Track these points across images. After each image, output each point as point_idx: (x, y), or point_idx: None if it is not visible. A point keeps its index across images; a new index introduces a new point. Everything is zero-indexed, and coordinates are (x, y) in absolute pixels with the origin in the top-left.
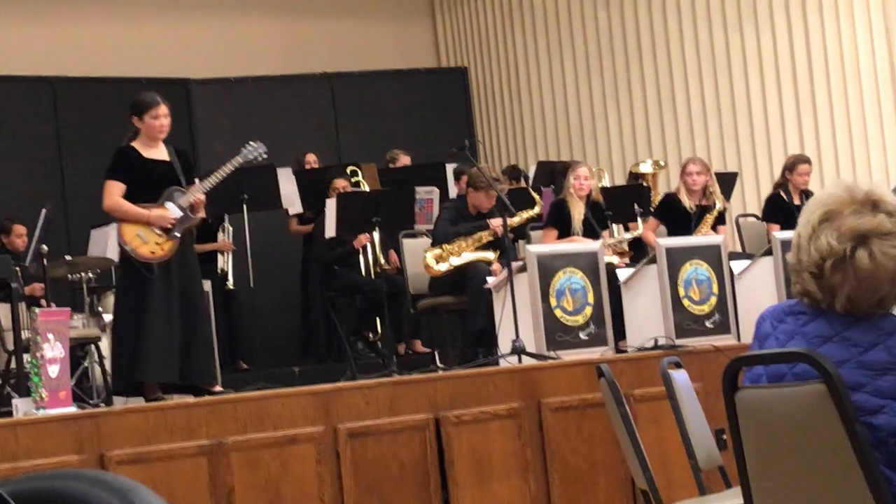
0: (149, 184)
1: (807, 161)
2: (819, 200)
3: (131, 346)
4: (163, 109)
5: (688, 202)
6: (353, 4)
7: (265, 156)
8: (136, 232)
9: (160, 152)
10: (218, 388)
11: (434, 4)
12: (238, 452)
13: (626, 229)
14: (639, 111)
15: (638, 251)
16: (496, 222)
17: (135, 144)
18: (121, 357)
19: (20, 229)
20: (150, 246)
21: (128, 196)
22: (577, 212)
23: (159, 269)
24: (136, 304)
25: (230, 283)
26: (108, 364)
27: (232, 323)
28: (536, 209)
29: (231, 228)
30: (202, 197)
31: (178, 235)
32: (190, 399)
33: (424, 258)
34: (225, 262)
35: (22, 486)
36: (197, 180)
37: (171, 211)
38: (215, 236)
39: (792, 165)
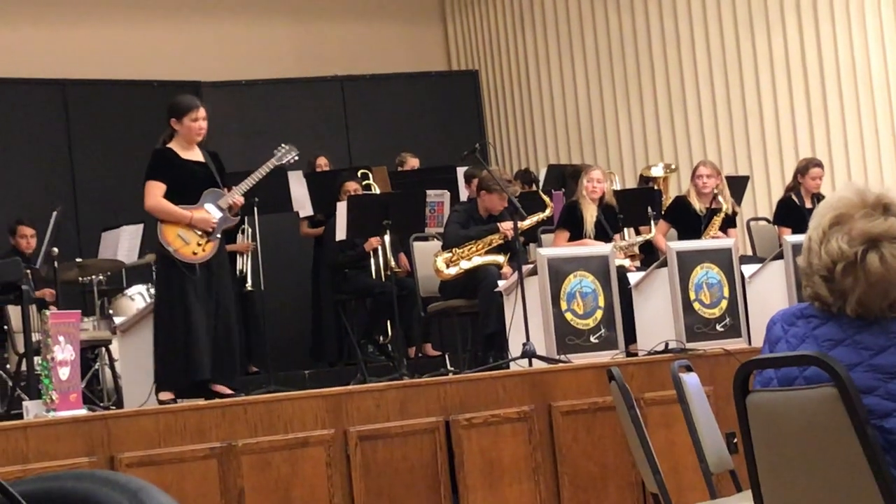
0: (187, 185)
1: (819, 165)
2: (830, 204)
3: (182, 346)
4: (202, 112)
5: (698, 205)
6: (365, 8)
7: (296, 158)
8: (177, 232)
9: (196, 154)
10: (228, 391)
11: (445, 8)
12: (248, 455)
13: (637, 232)
14: (650, 114)
15: (649, 254)
16: (507, 225)
17: (172, 146)
18: (171, 357)
19: (26, 230)
20: (192, 247)
21: (166, 197)
22: (590, 214)
23: (200, 271)
24: (179, 305)
25: (248, 285)
26: (118, 366)
27: (247, 325)
28: (547, 212)
29: (250, 230)
30: (241, 199)
31: (219, 237)
32: (200, 402)
33: (434, 262)
34: (244, 264)
35: (33, 486)
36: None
37: (212, 213)
38: (235, 237)
39: (804, 169)
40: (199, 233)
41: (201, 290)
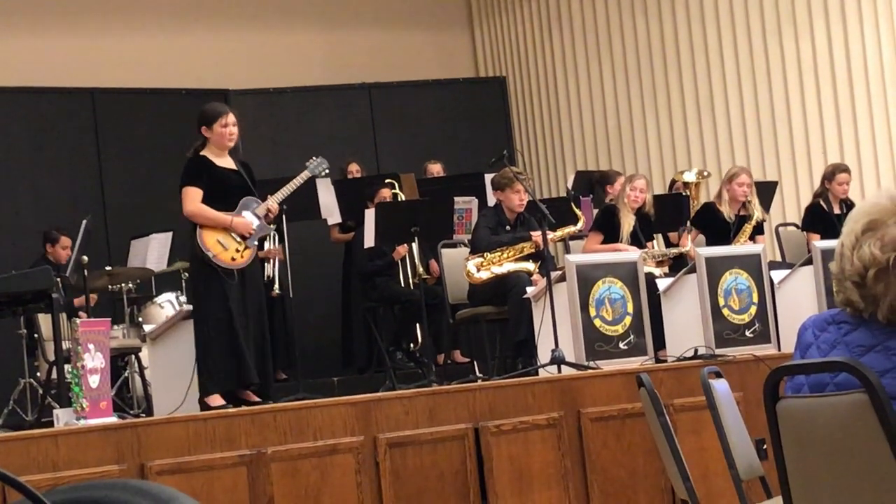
0: (223, 192)
1: (845, 170)
2: (863, 210)
3: (230, 350)
4: (231, 118)
5: (728, 211)
6: (393, 15)
7: (328, 172)
8: (216, 238)
9: (228, 162)
10: (256, 399)
11: (473, 15)
12: (278, 462)
13: (666, 238)
14: (677, 120)
15: (677, 260)
16: (538, 234)
17: (205, 154)
18: (220, 361)
19: (67, 241)
20: (231, 252)
21: (202, 203)
22: (627, 223)
23: (237, 276)
24: (223, 310)
25: (276, 289)
26: (148, 374)
27: (273, 331)
28: (579, 225)
29: (276, 235)
30: (276, 207)
31: (256, 244)
32: (230, 409)
33: (465, 266)
34: (272, 270)
35: (66, 496)
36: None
37: (250, 219)
38: (262, 244)
39: (831, 174)
40: (238, 239)
41: (238, 297)
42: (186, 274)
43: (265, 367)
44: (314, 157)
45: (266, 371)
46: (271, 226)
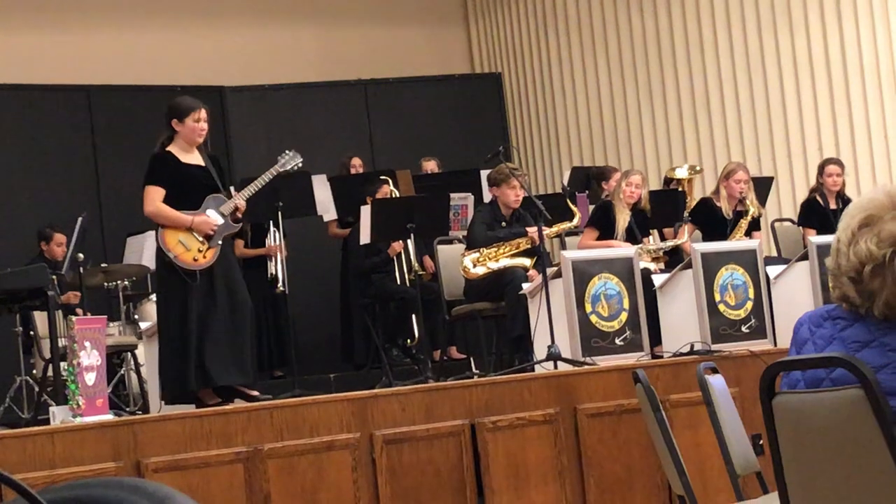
0: (187, 189)
1: (835, 162)
2: (860, 205)
3: (179, 356)
4: (203, 113)
5: (725, 207)
6: (388, 11)
7: (300, 165)
8: (178, 238)
9: (196, 157)
10: (255, 393)
11: (468, 11)
12: (274, 459)
13: (661, 234)
14: (673, 116)
15: (673, 256)
16: (534, 230)
17: (171, 150)
18: (169, 367)
19: (61, 238)
20: (193, 253)
21: (167, 201)
22: (623, 218)
23: (201, 277)
24: (179, 313)
25: (280, 286)
26: (144, 371)
27: (271, 328)
28: (574, 221)
29: (276, 232)
30: (243, 204)
31: (220, 243)
32: (227, 406)
33: (462, 261)
34: (274, 267)
35: (62, 494)
36: (232, 189)
37: (213, 218)
38: (263, 242)
39: (821, 168)
40: (200, 239)
41: (202, 298)
42: None
43: (241, 362)
44: (287, 151)
45: (242, 366)
46: (237, 224)
